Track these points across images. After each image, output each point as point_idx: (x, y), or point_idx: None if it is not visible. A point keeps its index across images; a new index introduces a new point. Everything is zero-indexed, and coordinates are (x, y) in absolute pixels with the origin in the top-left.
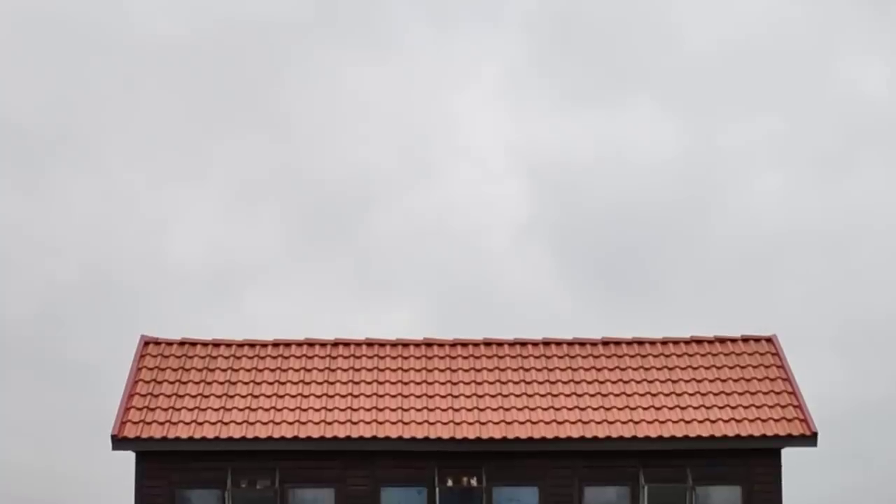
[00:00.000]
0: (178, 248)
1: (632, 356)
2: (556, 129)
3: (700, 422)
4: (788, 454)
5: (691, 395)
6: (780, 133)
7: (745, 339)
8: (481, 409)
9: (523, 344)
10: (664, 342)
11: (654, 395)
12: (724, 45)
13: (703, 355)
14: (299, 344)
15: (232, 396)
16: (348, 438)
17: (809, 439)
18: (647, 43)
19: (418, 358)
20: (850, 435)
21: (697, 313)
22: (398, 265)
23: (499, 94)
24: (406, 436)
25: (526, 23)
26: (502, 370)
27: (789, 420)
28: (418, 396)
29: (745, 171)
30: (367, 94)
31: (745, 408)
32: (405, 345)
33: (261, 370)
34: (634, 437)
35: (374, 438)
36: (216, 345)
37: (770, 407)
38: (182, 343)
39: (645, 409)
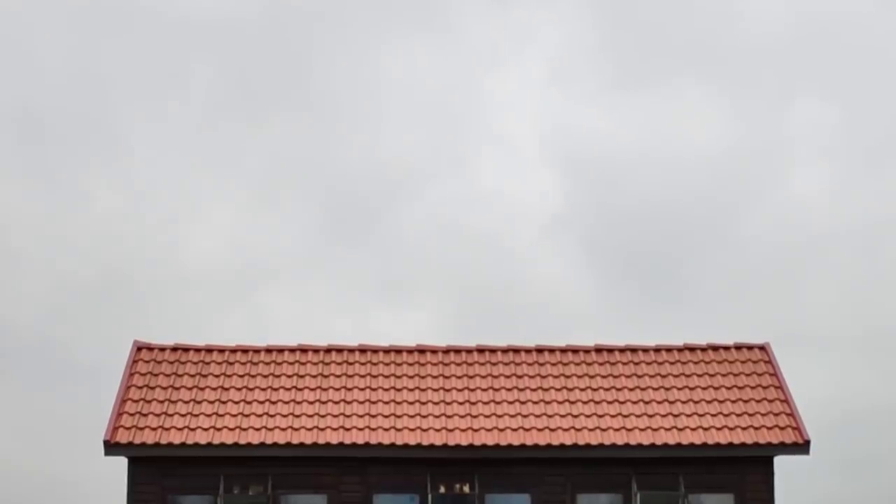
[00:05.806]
0: (196, 246)
1: (624, 363)
2: (596, 117)
3: (693, 429)
4: (782, 462)
5: (684, 402)
6: (832, 124)
7: (738, 347)
8: (474, 416)
9: (516, 351)
10: (657, 349)
11: (646, 402)
12: (780, 33)
13: (695, 363)
14: (292, 350)
15: (225, 402)
16: (341, 445)
17: (802, 447)
18: (703, 26)
19: (411, 364)
20: (869, 438)
21: (724, 318)
22: (420, 263)
23: (542, 75)
24: (399, 442)
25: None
26: (495, 377)
27: (782, 428)
28: (411, 403)
29: (791, 164)
30: (401, 76)
31: (738, 415)
32: (398, 351)
33: (253, 376)
34: (627, 445)
35: (367, 445)
36: (209, 350)
37: (763, 415)
38: (175, 349)
39: (638, 416)
